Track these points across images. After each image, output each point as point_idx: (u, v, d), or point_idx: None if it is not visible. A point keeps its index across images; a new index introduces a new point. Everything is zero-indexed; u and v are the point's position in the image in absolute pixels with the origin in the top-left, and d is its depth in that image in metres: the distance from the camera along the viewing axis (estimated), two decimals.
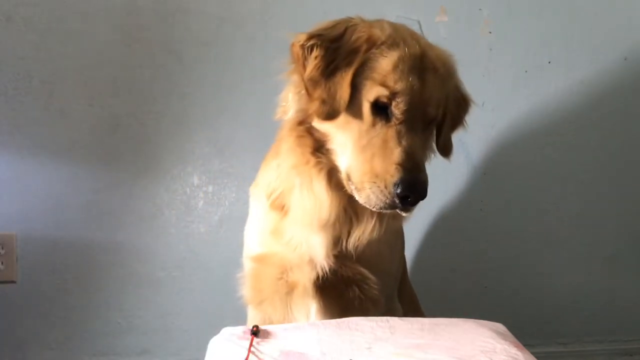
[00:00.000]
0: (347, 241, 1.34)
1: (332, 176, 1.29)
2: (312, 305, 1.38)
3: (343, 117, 1.26)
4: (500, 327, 1.26)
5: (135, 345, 1.98)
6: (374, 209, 1.24)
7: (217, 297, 1.97)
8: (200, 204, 1.98)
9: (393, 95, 1.22)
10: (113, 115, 1.91)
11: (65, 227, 1.92)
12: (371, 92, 1.23)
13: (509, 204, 2.07)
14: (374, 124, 1.23)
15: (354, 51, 1.24)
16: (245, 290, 1.45)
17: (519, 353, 1.11)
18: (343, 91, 1.24)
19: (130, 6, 1.88)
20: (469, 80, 1.98)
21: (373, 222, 1.33)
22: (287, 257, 1.37)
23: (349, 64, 1.24)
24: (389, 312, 1.39)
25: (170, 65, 1.91)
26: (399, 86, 1.22)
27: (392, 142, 1.21)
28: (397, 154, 1.20)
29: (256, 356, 1.10)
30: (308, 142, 1.30)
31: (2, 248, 1.90)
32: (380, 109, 1.23)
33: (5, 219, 1.90)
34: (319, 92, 1.25)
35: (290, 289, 1.39)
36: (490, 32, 2.00)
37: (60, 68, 1.87)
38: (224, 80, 1.93)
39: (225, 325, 1.24)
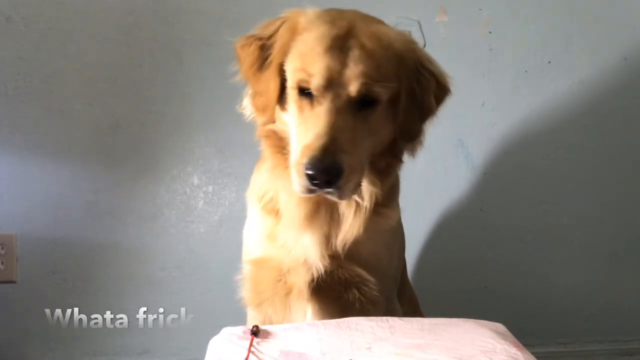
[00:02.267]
0: (336, 240, 1.34)
1: None
2: (308, 308, 1.38)
3: (285, 111, 1.27)
4: (500, 327, 1.26)
5: (135, 345, 1.98)
6: (302, 195, 1.24)
7: (217, 297, 1.97)
8: (200, 204, 1.98)
9: (310, 77, 1.21)
10: (113, 115, 1.91)
11: (65, 227, 1.93)
12: (293, 78, 1.24)
13: (509, 204, 2.07)
14: (302, 110, 1.24)
15: (282, 42, 1.26)
16: (245, 292, 1.45)
17: (519, 353, 1.11)
18: (271, 82, 1.27)
19: (130, 6, 1.88)
20: (469, 80, 2.00)
21: (351, 219, 1.32)
22: (284, 260, 1.37)
23: (276, 57, 1.27)
24: (388, 313, 1.38)
25: (170, 65, 1.91)
26: (314, 68, 1.20)
27: (310, 125, 1.20)
28: (309, 136, 1.19)
29: (256, 356, 1.10)
30: (273, 142, 1.32)
31: (2, 248, 1.90)
32: (306, 94, 1.23)
33: (5, 219, 1.90)
34: (257, 88, 1.30)
35: (289, 291, 1.39)
36: (490, 32, 2.00)
37: (60, 68, 1.87)
38: (224, 80, 1.92)
39: (225, 325, 1.24)
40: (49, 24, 1.85)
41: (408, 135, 1.32)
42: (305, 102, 1.23)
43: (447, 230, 2.05)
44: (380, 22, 1.31)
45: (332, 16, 1.26)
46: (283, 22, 1.29)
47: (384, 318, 1.25)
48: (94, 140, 1.92)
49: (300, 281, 1.36)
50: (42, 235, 1.92)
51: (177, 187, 1.97)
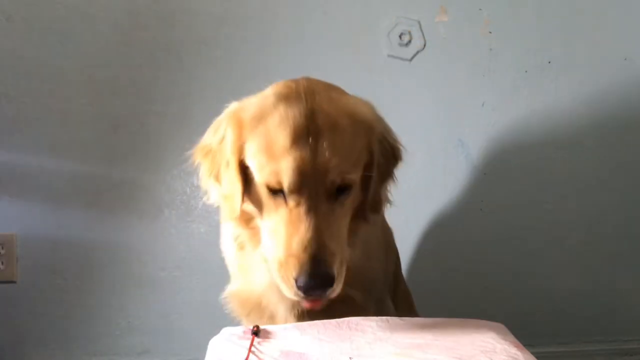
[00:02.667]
0: None
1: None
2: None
3: (254, 198, 1.20)
4: (500, 327, 1.26)
5: (135, 345, 1.98)
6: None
7: (217, 297, 1.96)
8: (200, 204, 1.97)
9: (279, 176, 1.11)
10: (113, 115, 1.91)
11: (65, 227, 1.93)
12: (260, 177, 1.15)
13: (509, 204, 2.07)
14: (276, 207, 1.15)
15: (233, 142, 1.18)
16: (231, 306, 1.42)
17: (519, 353, 1.11)
18: (234, 185, 1.18)
19: (130, 6, 1.88)
20: (469, 80, 2.00)
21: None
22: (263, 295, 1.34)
23: (232, 160, 1.18)
24: (380, 314, 1.37)
25: (170, 65, 1.91)
26: (282, 165, 1.10)
27: (291, 229, 1.11)
28: (294, 244, 1.10)
29: (256, 356, 1.10)
30: (243, 216, 1.24)
31: (2, 248, 1.90)
32: (276, 191, 1.13)
33: (5, 219, 1.90)
34: (220, 191, 1.23)
35: (272, 314, 1.35)
36: (490, 32, 2.00)
37: (60, 68, 1.87)
38: (224, 80, 1.93)
39: (225, 325, 1.24)
40: (49, 24, 1.85)
41: (376, 206, 1.26)
42: (279, 200, 1.14)
43: (447, 230, 2.05)
44: (339, 91, 1.23)
45: (286, 98, 1.15)
46: (227, 123, 1.22)
47: (384, 318, 1.25)
48: (94, 140, 1.92)
49: (282, 310, 1.32)
50: (42, 235, 1.92)
51: (177, 187, 1.97)
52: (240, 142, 1.17)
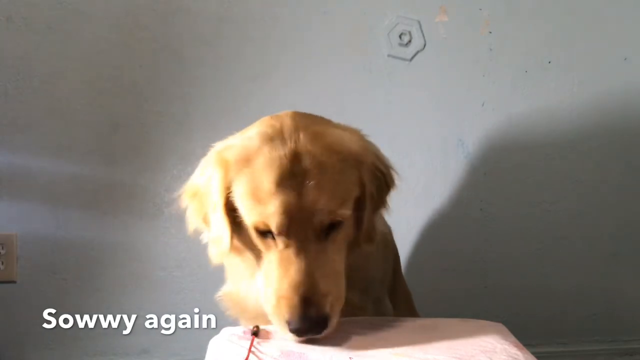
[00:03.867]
0: None
1: None
2: None
3: (243, 239, 1.20)
4: (500, 327, 1.26)
5: (135, 345, 1.98)
6: None
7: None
8: None
9: (267, 219, 1.10)
10: (113, 115, 1.91)
11: (65, 227, 1.93)
12: (249, 220, 1.14)
13: (509, 204, 2.07)
14: (266, 248, 1.15)
15: (219, 184, 1.17)
16: (224, 304, 1.43)
17: (519, 353, 1.11)
18: (223, 226, 1.18)
19: (130, 6, 1.88)
20: (469, 80, 2.00)
21: None
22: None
23: (219, 202, 1.17)
24: (378, 314, 1.37)
25: (170, 65, 1.91)
26: (269, 208, 1.09)
27: (281, 270, 1.11)
28: (285, 286, 1.10)
29: (256, 356, 1.10)
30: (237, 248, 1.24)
31: (2, 248, 1.90)
32: (265, 232, 1.13)
33: (5, 219, 1.90)
34: (210, 234, 1.24)
35: (256, 315, 1.32)
36: (490, 32, 2.00)
37: (60, 68, 1.87)
38: (224, 80, 1.93)
39: (225, 325, 1.24)
40: (49, 24, 1.85)
41: (370, 237, 1.22)
42: (269, 241, 1.14)
43: (447, 230, 2.05)
44: (324, 124, 1.20)
45: (267, 137, 1.14)
46: (214, 164, 1.21)
47: (384, 318, 1.25)
48: (94, 140, 1.92)
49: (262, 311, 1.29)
50: (42, 235, 1.92)
51: (177, 187, 1.96)
52: (227, 184, 1.16)
